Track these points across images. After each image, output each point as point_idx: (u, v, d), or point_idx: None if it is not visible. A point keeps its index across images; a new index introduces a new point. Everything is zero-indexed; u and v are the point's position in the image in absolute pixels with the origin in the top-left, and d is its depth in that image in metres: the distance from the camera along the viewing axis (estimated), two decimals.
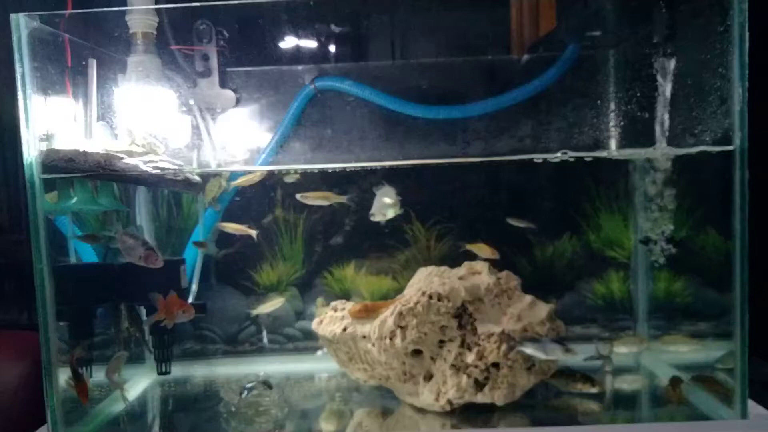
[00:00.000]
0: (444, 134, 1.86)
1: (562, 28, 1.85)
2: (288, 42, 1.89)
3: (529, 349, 1.48)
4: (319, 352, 1.94)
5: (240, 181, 1.78)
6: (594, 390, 1.55)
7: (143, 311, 1.69)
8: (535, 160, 1.57)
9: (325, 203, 1.75)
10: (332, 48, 1.93)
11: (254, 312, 1.90)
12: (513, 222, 1.77)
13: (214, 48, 1.81)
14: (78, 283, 1.58)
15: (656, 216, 1.78)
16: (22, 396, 1.77)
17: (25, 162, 1.43)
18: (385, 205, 1.62)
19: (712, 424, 1.43)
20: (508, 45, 1.93)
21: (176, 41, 1.77)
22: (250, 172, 1.78)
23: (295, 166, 1.86)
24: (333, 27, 1.91)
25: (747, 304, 1.41)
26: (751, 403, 1.44)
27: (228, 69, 1.85)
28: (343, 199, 1.76)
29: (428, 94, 1.88)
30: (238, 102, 1.86)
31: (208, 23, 1.79)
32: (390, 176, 1.72)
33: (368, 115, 1.88)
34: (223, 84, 1.84)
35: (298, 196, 1.71)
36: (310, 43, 1.90)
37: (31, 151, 1.43)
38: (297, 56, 1.89)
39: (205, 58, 1.81)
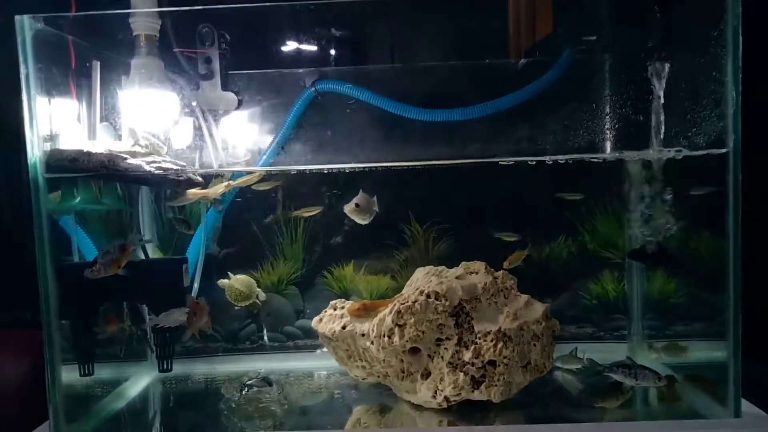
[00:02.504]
0: (442, 137, 1.89)
1: (558, 32, 1.88)
2: (289, 45, 1.92)
3: (618, 376, 1.50)
4: (319, 351, 1.96)
5: (237, 182, 1.80)
6: (660, 384, 1.52)
7: (145, 309, 1.71)
8: (529, 162, 1.60)
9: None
10: (333, 51, 1.95)
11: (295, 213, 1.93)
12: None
13: (216, 51, 1.84)
14: (81, 281, 1.59)
15: (649, 218, 1.80)
16: (22, 394, 1.79)
17: (28, 161, 1.45)
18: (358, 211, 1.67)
19: (706, 423, 1.45)
20: (506, 49, 1.96)
21: (179, 44, 1.79)
22: (251, 173, 1.81)
23: (293, 167, 1.89)
24: (333, 31, 1.93)
25: (740, 304, 1.43)
26: (744, 402, 1.46)
27: (230, 72, 1.87)
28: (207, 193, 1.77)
29: (427, 97, 1.90)
30: (240, 104, 1.88)
31: (210, 26, 1.81)
32: (389, 177, 1.76)
33: (368, 118, 1.91)
34: (225, 86, 1.86)
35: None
36: (311, 47, 1.93)
37: (35, 150, 1.45)
38: (298, 59, 1.92)
39: (208, 60, 1.83)
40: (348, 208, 1.67)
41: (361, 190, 1.69)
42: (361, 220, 1.70)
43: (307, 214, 1.92)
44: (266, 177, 1.82)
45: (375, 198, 1.72)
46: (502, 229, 1.88)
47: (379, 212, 1.73)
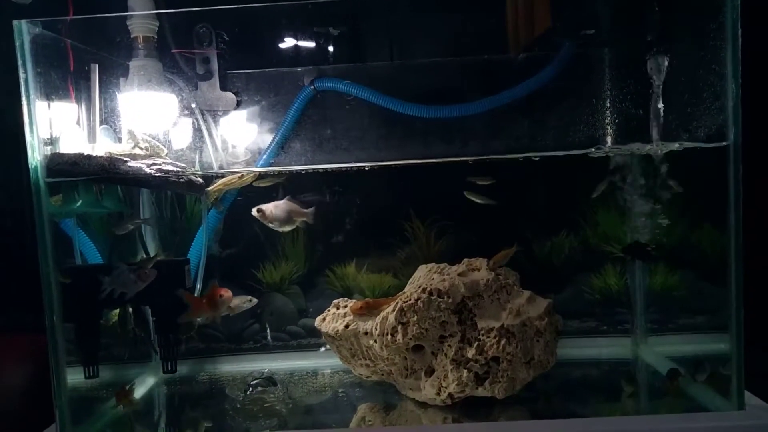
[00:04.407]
0: (441, 132, 1.88)
1: (557, 26, 1.87)
2: (287, 44, 1.91)
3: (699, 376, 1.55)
4: (322, 349, 1.97)
5: (234, 183, 1.80)
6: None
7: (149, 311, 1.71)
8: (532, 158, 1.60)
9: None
10: (331, 49, 1.95)
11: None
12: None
13: (214, 51, 1.83)
14: (84, 284, 1.59)
15: (649, 212, 1.80)
16: (27, 397, 1.79)
17: (29, 166, 1.45)
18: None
19: (710, 416, 1.45)
20: (505, 44, 1.95)
21: (177, 45, 1.79)
22: (251, 173, 1.80)
23: (292, 167, 1.88)
24: (331, 29, 1.93)
25: (742, 297, 1.43)
26: (747, 394, 1.47)
27: (228, 71, 1.87)
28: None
29: (425, 94, 1.90)
30: (239, 104, 1.88)
31: (208, 27, 1.81)
32: (389, 174, 1.75)
33: (367, 115, 1.91)
34: (223, 86, 1.86)
35: None
36: (309, 45, 1.92)
37: (36, 155, 1.45)
38: (296, 58, 1.92)
39: (206, 61, 1.83)
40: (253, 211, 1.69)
41: (287, 198, 1.72)
42: (278, 228, 1.72)
43: (481, 183, 1.80)
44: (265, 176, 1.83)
45: (312, 209, 1.76)
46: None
47: (310, 222, 1.77)
